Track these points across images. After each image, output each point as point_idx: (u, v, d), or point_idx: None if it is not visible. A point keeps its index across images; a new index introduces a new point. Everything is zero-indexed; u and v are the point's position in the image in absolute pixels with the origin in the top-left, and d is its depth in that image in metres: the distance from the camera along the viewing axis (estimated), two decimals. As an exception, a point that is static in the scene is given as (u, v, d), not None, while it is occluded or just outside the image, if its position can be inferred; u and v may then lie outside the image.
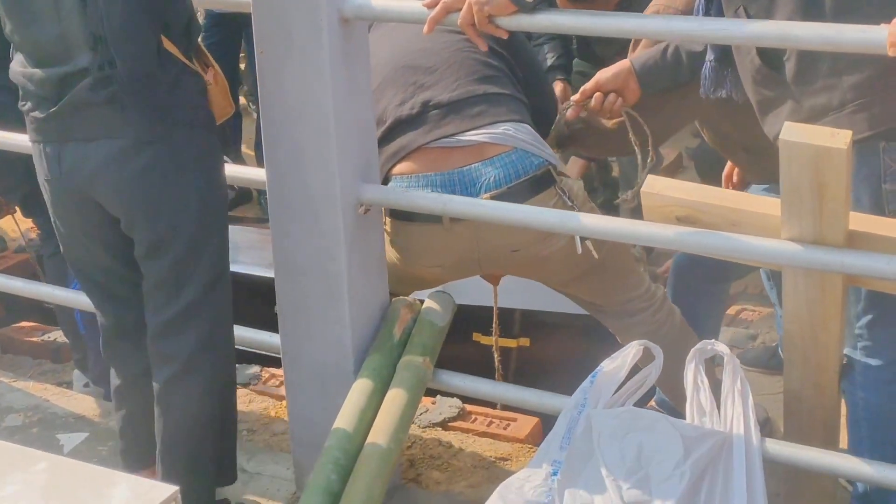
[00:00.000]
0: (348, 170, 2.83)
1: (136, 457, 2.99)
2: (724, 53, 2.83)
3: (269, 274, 3.06)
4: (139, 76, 2.60)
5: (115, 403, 3.05)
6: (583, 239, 2.94)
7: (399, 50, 3.22)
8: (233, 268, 2.94)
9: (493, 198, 2.93)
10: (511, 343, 4.18)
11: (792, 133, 2.33)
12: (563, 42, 5.00)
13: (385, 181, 3.07)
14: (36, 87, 2.66)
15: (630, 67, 3.17)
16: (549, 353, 3.33)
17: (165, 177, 2.67)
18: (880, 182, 2.48)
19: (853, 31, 2.26)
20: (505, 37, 2.67)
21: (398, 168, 3.07)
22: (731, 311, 4.30)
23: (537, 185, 3.00)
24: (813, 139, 2.30)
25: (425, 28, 2.62)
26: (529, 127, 3.10)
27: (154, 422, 2.89)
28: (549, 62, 4.99)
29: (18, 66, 2.71)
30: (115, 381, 3.03)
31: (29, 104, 2.70)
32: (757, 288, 4.25)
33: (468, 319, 3.51)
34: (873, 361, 2.64)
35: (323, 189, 2.83)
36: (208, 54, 2.84)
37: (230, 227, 2.91)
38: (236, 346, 3.50)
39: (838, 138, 2.29)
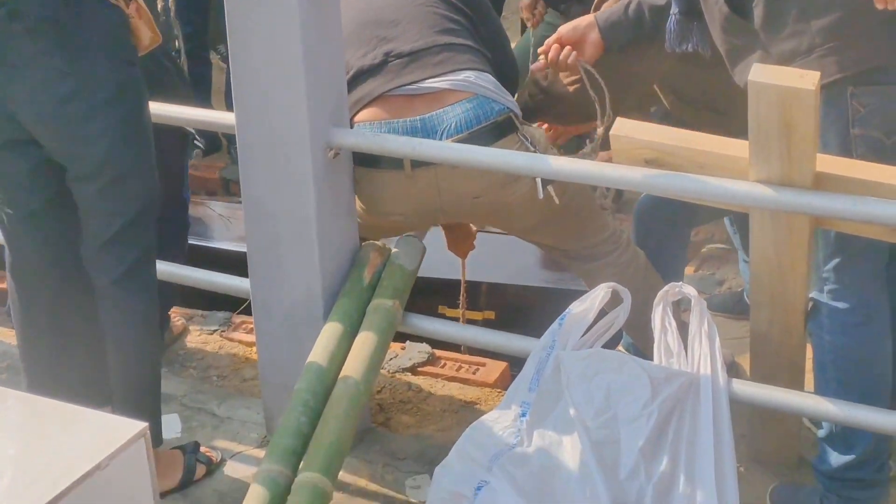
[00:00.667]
0: (318, 113, 2.81)
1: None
2: (690, 6, 2.82)
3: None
4: (48, 10, 2.61)
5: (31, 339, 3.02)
6: (544, 184, 2.92)
7: (364, 6, 3.21)
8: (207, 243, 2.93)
9: (455, 142, 2.92)
10: (477, 316, 4.22)
11: (760, 74, 2.33)
12: None
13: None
14: None
15: (593, 21, 3.16)
16: (514, 326, 3.34)
17: (85, 108, 2.67)
18: (848, 127, 2.48)
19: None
20: None
21: (361, 115, 3.05)
22: (698, 257, 4.30)
23: (499, 130, 2.99)
24: (781, 80, 2.30)
25: None
26: (491, 76, 3.09)
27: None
28: None
29: None
30: (23, 314, 2.99)
31: None
32: (723, 235, 4.25)
33: (434, 292, 3.52)
34: (840, 304, 2.64)
35: (292, 133, 2.82)
36: None
37: (207, 201, 2.89)
38: (209, 291, 3.51)
39: (806, 79, 2.29)
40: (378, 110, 3.04)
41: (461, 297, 4.00)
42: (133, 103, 2.77)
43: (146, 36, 2.83)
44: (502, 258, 3.24)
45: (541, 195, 2.92)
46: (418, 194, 3.02)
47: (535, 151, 2.99)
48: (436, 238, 3.65)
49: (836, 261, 2.62)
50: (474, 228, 3.87)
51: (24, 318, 2.98)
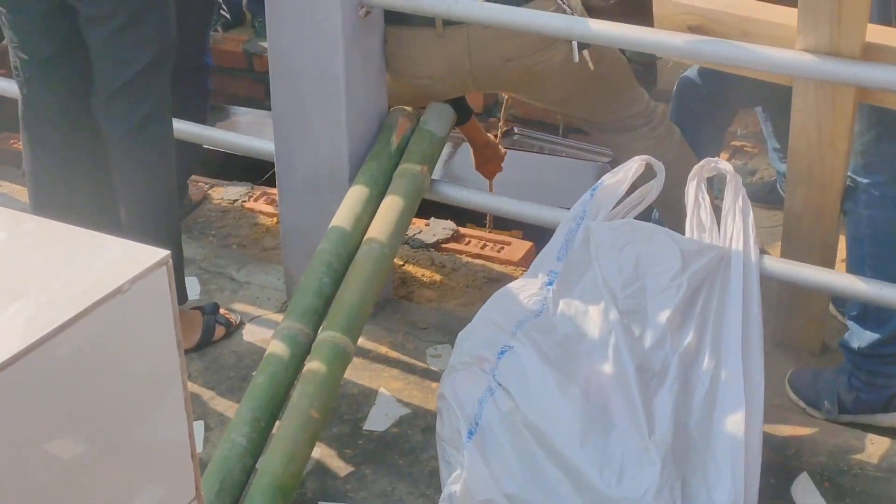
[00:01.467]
0: (350, -33, 2.73)
1: None
2: None
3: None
4: None
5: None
6: (580, 48, 2.86)
7: None
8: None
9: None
10: (504, 235, 4.17)
11: (816, -65, 2.24)
12: None
13: None
14: None
15: None
16: (540, 247, 3.32)
17: None
18: None
19: None
20: None
21: None
22: (729, 148, 4.22)
23: None
24: (837, -60, 2.21)
25: None
26: None
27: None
28: None
29: None
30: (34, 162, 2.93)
31: None
32: (757, 125, 4.17)
33: (460, 213, 3.49)
34: (876, 178, 2.60)
35: (322, -13, 2.74)
36: None
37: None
38: (232, 153, 3.46)
39: (864, -61, 2.20)
40: None
41: (488, 218, 3.99)
42: None
43: None
44: (530, 178, 3.19)
45: (576, 58, 2.86)
46: (449, 55, 2.95)
47: (571, 13, 2.91)
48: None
49: (872, 133, 2.57)
50: (503, 150, 3.86)
51: (34, 167, 2.92)
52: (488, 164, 3.79)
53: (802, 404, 2.84)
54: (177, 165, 3.52)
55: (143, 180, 2.82)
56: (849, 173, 2.65)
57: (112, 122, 2.77)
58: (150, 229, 2.81)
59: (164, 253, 1.58)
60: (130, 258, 1.56)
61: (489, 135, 3.84)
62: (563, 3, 2.93)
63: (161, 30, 2.75)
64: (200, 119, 3.72)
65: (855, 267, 2.68)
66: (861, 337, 2.72)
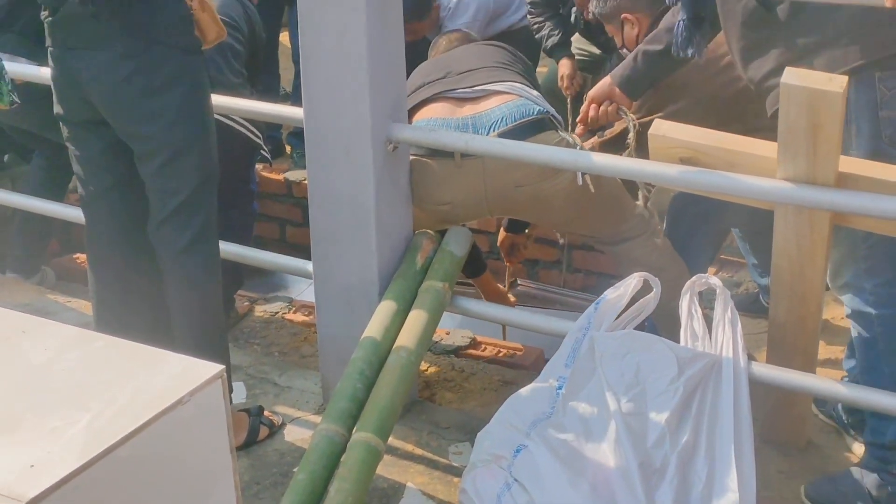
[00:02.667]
0: (379, 109, 2.77)
1: None
2: (696, 11, 2.77)
3: None
4: None
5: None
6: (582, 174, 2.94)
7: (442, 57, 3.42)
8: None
9: (499, 135, 2.95)
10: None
11: (792, 77, 2.28)
12: (563, 20, 4.92)
13: None
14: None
15: (611, 82, 3.26)
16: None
17: (143, 90, 2.68)
18: (877, 110, 2.42)
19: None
20: None
21: (418, 115, 3.10)
22: (717, 262, 4.22)
23: (539, 125, 3.03)
24: (811, 83, 2.25)
25: None
26: (536, 91, 3.18)
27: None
28: (553, 40, 4.92)
29: None
30: (97, 283, 2.97)
31: (44, 14, 2.75)
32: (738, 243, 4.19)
33: None
34: (883, 278, 2.57)
35: (356, 126, 2.78)
36: None
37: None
38: (273, 272, 3.47)
39: (835, 83, 2.24)
40: (433, 110, 3.08)
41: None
42: (190, 87, 2.74)
43: (211, 29, 2.81)
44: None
45: (580, 181, 2.93)
46: (466, 182, 3.00)
47: (573, 143, 3.02)
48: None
49: (871, 240, 2.55)
50: (513, 299, 3.99)
51: (97, 286, 2.95)
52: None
53: None
54: (224, 281, 3.56)
55: (193, 296, 2.84)
56: (848, 280, 2.62)
57: (163, 245, 2.81)
58: (199, 341, 2.81)
59: (219, 367, 1.60)
60: (189, 372, 1.58)
61: (499, 285, 3.91)
62: (567, 136, 3.00)
63: (203, 161, 2.79)
64: (247, 238, 3.76)
65: (869, 367, 2.63)
66: (886, 430, 2.64)
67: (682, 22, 2.81)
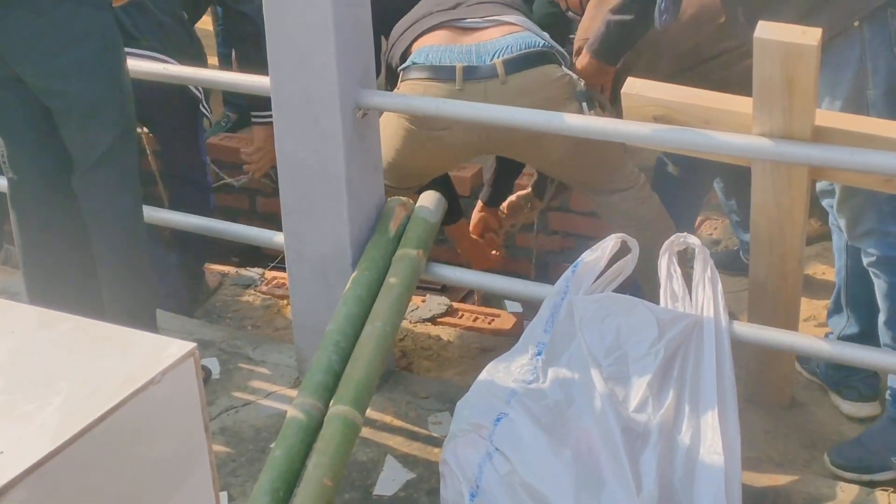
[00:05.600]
0: (347, 75, 2.76)
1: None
2: None
3: None
4: None
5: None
6: (588, 106, 3.03)
7: None
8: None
9: (504, 62, 3.02)
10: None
11: (765, 31, 2.28)
12: None
13: (405, 55, 3.19)
14: None
15: (589, 56, 3.26)
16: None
17: (54, 47, 2.71)
18: (892, 47, 2.44)
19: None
20: None
21: (421, 40, 3.16)
22: (696, 221, 4.24)
23: (541, 57, 3.09)
24: (785, 37, 2.25)
25: None
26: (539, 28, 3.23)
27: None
28: None
29: None
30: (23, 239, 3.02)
31: None
32: (718, 199, 4.21)
33: None
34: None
35: (324, 94, 2.76)
36: None
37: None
38: (242, 243, 3.48)
39: (808, 35, 2.24)
40: (436, 37, 3.16)
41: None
42: (101, 43, 2.78)
43: None
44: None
45: (586, 113, 2.99)
46: None
47: (578, 79, 3.12)
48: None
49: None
50: (494, 250, 4.02)
51: (24, 244, 3.00)
52: (480, 262, 3.84)
53: (867, 476, 2.74)
54: (191, 254, 3.56)
55: (117, 242, 2.90)
56: (871, 227, 2.62)
57: (86, 197, 2.87)
58: (126, 287, 2.94)
59: (191, 345, 1.60)
60: (161, 351, 1.58)
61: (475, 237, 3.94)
62: (571, 73, 3.10)
63: (119, 116, 2.84)
64: (205, 211, 3.74)
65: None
66: None
67: None
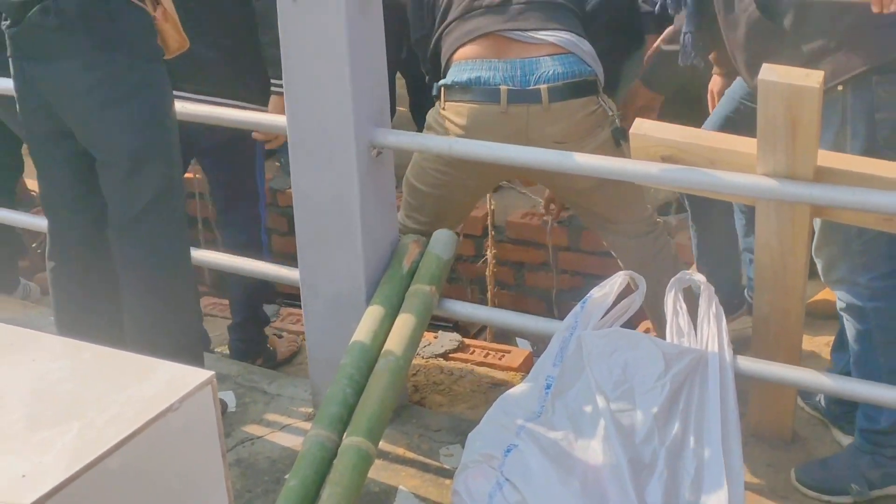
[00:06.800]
0: (362, 115, 2.77)
1: None
2: (700, 23, 2.82)
3: None
4: (78, 8, 2.61)
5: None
6: (620, 140, 3.02)
7: None
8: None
9: (549, 90, 2.99)
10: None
11: (769, 73, 2.29)
12: None
13: (446, 68, 3.14)
14: (7, 9, 2.71)
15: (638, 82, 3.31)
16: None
17: (106, 100, 2.68)
18: (873, 112, 2.43)
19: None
20: None
21: (463, 51, 3.11)
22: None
23: (584, 88, 3.06)
24: (789, 79, 2.26)
25: None
26: (588, 44, 3.15)
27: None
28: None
29: None
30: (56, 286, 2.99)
31: (5, 23, 2.75)
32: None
33: None
34: (879, 271, 2.57)
35: (339, 133, 2.77)
36: None
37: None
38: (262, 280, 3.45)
39: (812, 78, 2.24)
40: (480, 48, 3.09)
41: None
42: (152, 96, 2.75)
43: (173, 39, 2.83)
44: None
45: (621, 146, 2.98)
46: (510, 128, 3.03)
47: (612, 114, 3.09)
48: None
49: (870, 234, 2.54)
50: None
51: (58, 293, 2.98)
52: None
53: (826, 497, 2.74)
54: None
55: (150, 301, 2.83)
56: (842, 275, 2.62)
57: (123, 250, 2.82)
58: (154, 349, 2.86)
59: (209, 373, 1.59)
60: (178, 379, 1.57)
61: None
62: (605, 104, 3.09)
63: (166, 169, 2.79)
64: (250, 242, 3.64)
65: (864, 360, 2.64)
66: (880, 417, 2.65)
67: (688, 34, 2.85)
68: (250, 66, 3.37)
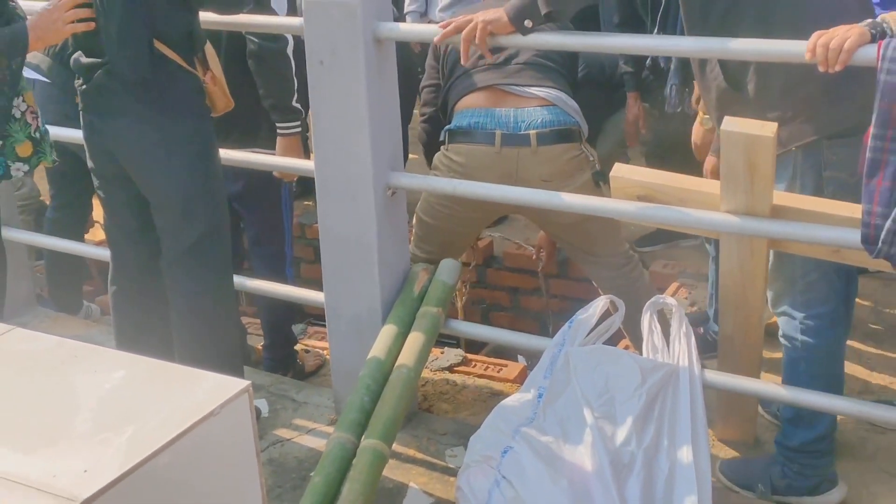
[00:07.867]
0: (379, 160, 2.79)
1: None
2: (684, 78, 2.83)
3: None
4: (139, 72, 2.65)
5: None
6: (600, 182, 3.07)
7: None
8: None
9: (538, 135, 3.04)
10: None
11: (730, 125, 2.30)
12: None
13: (451, 115, 3.21)
14: (79, 70, 2.77)
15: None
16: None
17: (159, 153, 2.72)
18: (821, 171, 2.43)
19: (780, 44, 2.22)
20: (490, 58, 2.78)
21: (465, 101, 3.17)
22: (672, 287, 4.24)
23: (568, 135, 3.10)
24: (747, 129, 2.27)
25: (436, 39, 2.58)
26: (574, 102, 3.21)
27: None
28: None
29: (78, 56, 2.79)
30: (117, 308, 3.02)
31: (77, 82, 2.81)
32: (694, 267, 4.20)
33: None
34: (815, 311, 2.56)
35: (359, 176, 2.79)
36: (210, 61, 2.85)
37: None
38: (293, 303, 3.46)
39: (766, 128, 2.27)
40: (481, 99, 3.16)
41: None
42: (198, 149, 2.78)
43: (221, 101, 2.88)
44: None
45: (601, 187, 3.01)
46: (502, 167, 3.07)
47: (592, 160, 3.14)
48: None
49: (811, 277, 2.54)
50: None
51: (118, 316, 3.01)
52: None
53: (736, 488, 2.76)
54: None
55: (197, 328, 2.85)
56: (784, 308, 2.60)
57: (174, 280, 2.85)
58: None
59: (245, 382, 1.60)
60: (219, 388, 1.58)
61: None
62: (587, 150, 3.13)
63: (211, 212, 2.82)
64: (273, 273, 3.63)
65: (793, 381, 2.62)
66: (794, 436, 2.66)
67: (673, 86, 2.88)
68: (266, 117, 3.40)
